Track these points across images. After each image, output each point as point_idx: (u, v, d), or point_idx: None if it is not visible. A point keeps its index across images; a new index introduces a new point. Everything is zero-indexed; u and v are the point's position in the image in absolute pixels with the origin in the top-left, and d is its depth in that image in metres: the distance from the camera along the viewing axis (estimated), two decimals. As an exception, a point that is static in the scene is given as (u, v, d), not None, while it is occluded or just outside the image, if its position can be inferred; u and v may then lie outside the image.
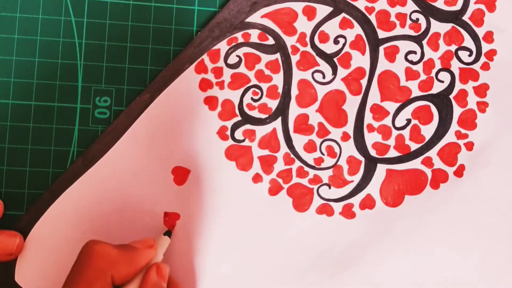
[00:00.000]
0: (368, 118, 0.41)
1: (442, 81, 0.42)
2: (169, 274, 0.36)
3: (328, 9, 0.41)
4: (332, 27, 0.41)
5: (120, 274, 0.34)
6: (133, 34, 0.41)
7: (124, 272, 0.34)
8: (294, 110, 0.41)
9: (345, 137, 0.41)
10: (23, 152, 0.40)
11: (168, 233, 0.39)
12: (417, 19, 0.42)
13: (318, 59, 0.41)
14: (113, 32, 0.41)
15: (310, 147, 0.41)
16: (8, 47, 0.40)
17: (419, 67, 0.42)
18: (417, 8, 0.42)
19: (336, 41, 0.41)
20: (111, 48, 0.41)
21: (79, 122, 0.40)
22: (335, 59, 0.41)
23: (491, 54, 0.42)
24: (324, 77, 0.41)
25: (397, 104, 0.42)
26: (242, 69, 0.41)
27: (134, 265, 0.35)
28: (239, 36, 0.41)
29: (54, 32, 0.40)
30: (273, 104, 0.41)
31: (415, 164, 0.42)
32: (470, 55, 0.42)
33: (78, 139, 0.40)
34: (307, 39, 0.41)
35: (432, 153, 0.42)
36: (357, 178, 0.41)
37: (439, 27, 0.42)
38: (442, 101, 0.42)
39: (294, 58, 0.41)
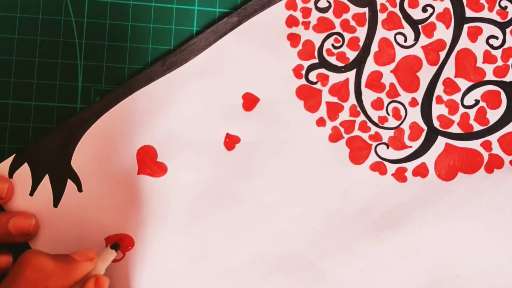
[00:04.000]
0: (439, 90, 0.42)
1: (517, 72, 0.43)
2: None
3: (422, -22, 0.42)
4: (423, -5, 0.42)
5: (55, 286, 0.33)
6: (133, 34, 0.41)
7: (60, 284, 0.34)
8: (370, 66, 0.42)
9: (413, 103, 0.42)
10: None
11: (115, 246, 0.39)
12: (506, 7, 0.43)
13: (403, 22, 0.42)
14: (112, 32, 0.41)
15: (377, 104, 0.42)
16: (8, 47, 0.40)
17: (497, 53, 0.42)
18: (508, -4, 0.43)
19: (424, 9, 0.42)
20: (111, 48, 0.41)
21: (79, 123, 0.40)
22: (419, 26, 0.42)
23: None
24: (405, 40, 0.42)
25: (470, 83, 0.42)
26: (329, 14, 0.42)
27: (70, 278, 0.35)
28: (333, -17, 0.42)
29: (54, 32, 0.40)
30: (351, 55, 0.42)
31: (474, 144, 0.42)
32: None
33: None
34: (397, 1, 0.42)
35: (493, 138, 0.42)
36: (416, 144, 0.42)
37: (525, 20, 0.43)
38: (513, 90, 0.42)
39: (381, 16, 0.42)
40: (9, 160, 0.39)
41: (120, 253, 0.39)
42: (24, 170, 0.39)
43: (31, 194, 0.39)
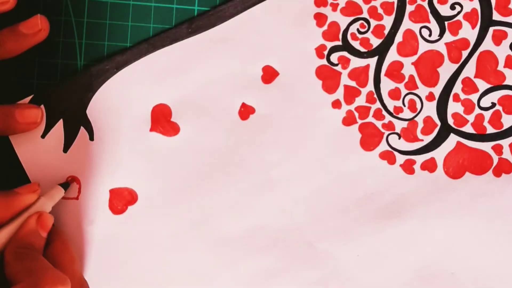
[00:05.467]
0: (457, 88, 0.42)
1: (537, 80, 0.43)
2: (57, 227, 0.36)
3: (455, -25, 0.43)
4: (453, -7, 0.43)
5: None
6: (133, 34, 0.41)
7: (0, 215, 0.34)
8: (392, 55, 0.42)
9: (430, 97, 0.42)
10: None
11: (65, 185, 0.38)
12: (534, 15, 0.43)
13: (430, 16, 0.42)
14: (113, 32, 0.41)
15: (394, 94, 0.42)
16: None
17: (520, 59, 0.43)
18: (537, 5, 0.43)
19: (452, 7, 0.42)
20: (111, 48, 0.41)
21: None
22: (446, 23, 0.42)
23: None
24: (430, 35, 0.42)
25: (488, 85, 0.42)
26: (358, -1, 0.42)
27: (11, 209, 0.34)
28: (366, -31, 0.42)
29: (54, 32, 0.40)
30: (375, 42, 0.42)
31: (486, 146, 0.42)
32: None
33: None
34: (427, -5, 0.42)
35: (505, 142, 0.42)
36: (428, 139, 0.42)
37: (551, 30, 0.43)
38: (530, 98, 0.43)
39: (409, 8, 0.42)
40: (26, 100, 0.40)
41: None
42: (40, 112, 0.40)
43: (43, 136, 0.40)
